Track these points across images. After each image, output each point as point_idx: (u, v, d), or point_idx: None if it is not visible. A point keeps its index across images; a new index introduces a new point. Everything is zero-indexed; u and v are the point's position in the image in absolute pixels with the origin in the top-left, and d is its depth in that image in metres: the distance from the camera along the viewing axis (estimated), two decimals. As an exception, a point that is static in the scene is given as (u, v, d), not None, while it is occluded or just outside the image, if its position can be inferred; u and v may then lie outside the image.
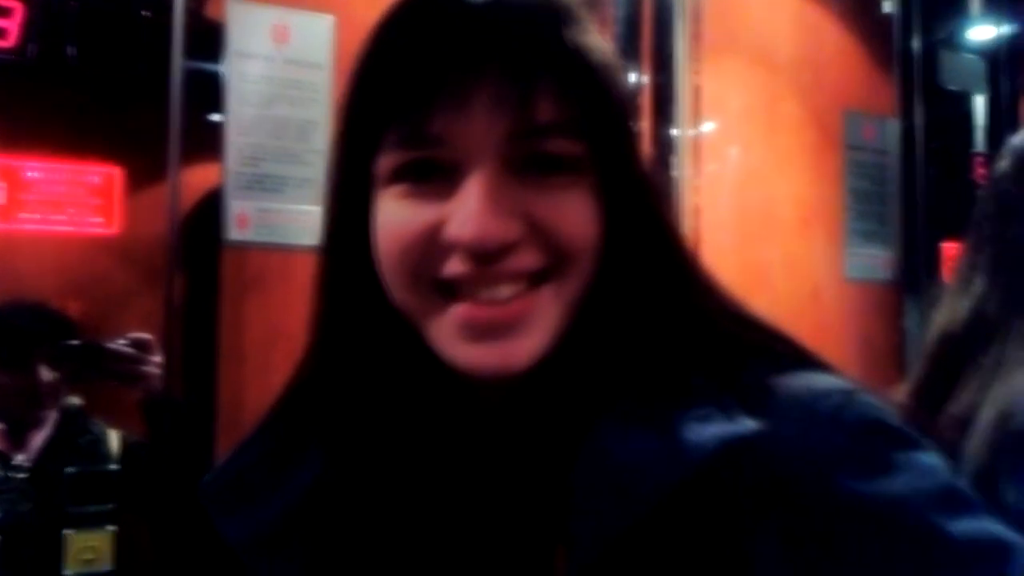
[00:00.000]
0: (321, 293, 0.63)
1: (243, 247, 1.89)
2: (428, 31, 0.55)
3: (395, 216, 0.57)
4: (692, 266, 0.62)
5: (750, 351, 0.59)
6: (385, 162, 0.57)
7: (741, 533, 0.53)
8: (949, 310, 1.17)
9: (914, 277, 2.86)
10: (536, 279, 0.56)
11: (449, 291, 0.57)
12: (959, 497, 0.54)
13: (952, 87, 3.06)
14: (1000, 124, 3.14)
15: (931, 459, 0.55)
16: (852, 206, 2.85)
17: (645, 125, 2.54)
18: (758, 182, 2.73)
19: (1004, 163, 1.13)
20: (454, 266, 0.55)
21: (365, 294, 0.60)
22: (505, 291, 0.55)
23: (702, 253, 2.21)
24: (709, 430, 0.53)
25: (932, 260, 2.87)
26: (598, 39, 0.59)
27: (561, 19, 0.57)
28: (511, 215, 0.54)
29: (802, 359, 0.60)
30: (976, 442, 1.07)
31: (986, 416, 1.07)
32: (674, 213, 0.64)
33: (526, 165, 0.55)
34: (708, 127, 2.65)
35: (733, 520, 0.53)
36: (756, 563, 0.53)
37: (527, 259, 0.55)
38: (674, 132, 2.57)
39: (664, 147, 2.56)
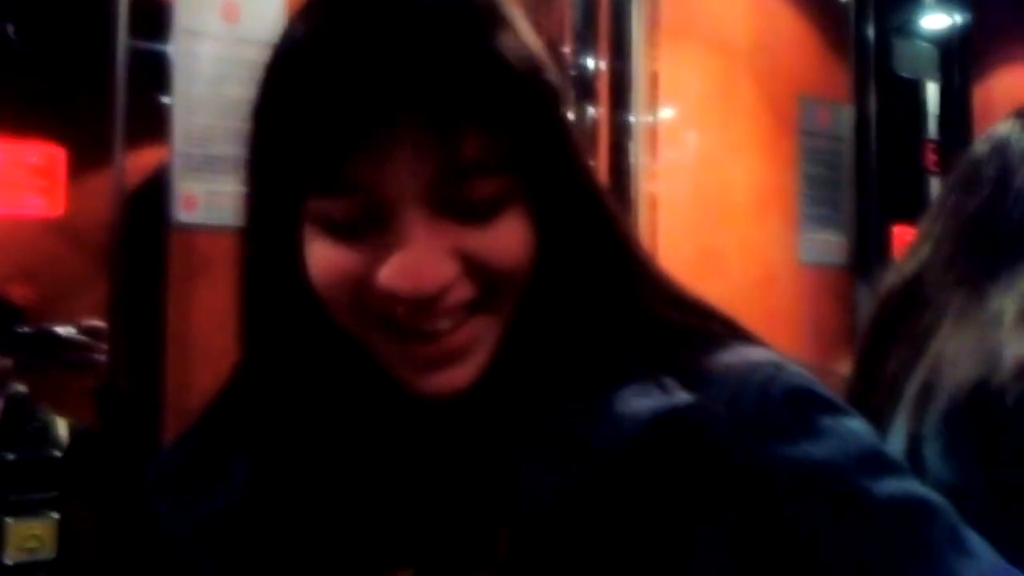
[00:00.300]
0: (249, 287, 0.62)
1: (191, 229, 1.86)
2: (339, 75, 0.52)
3: (325, 258, 0.56)
4: (635, 258, 0.62)
5: (690, 334, 0.60)
6: (309, 205, 0.55)
7: (683, 506, 0.54)
8: (894, 275, 1.19)
9: (866, 261, 2.90)
10: (472, 307, 0.56)
11: (389, 319, 0.56)
12: (882, 460, 0.56)
13: (905, 74, 3.10)
14: (951, 111, 3.18)
15: (856, 425, 0.57)
16: (806, 191, 2.88)
17: (601, 111, 2.53)
18: (714, 167, 2.75)
19: (982, 146, 1.15)
20: (392, 307, 0.55)
21: (296, 297, 0.58)
22: (444, 324, 0.55)
23: (658, 239, 2.22)
24: (645, 403, 0.55)
25: (883, 244, 2.91)
26: (524, 39, 0.57)
27: (480, 35, 0.54)
28: (445, 257, 0.54)
29: (738, 337, 0.61)
30: (904, 408, 1.09)
31: (914, 383, 1.08)
32: (616, 202, 0.63)
33: (455, 205, 0.54)
34: (665, 113, 2.66)
35: (674, 493, 0.54)
36: (699, 533, 0.54)
37: (463, 292, 0.55)
38: (630, 118, 2.57)
39: (620, 133, 2.56)
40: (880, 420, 1.09)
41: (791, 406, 0.56)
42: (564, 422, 0.56)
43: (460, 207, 0.54)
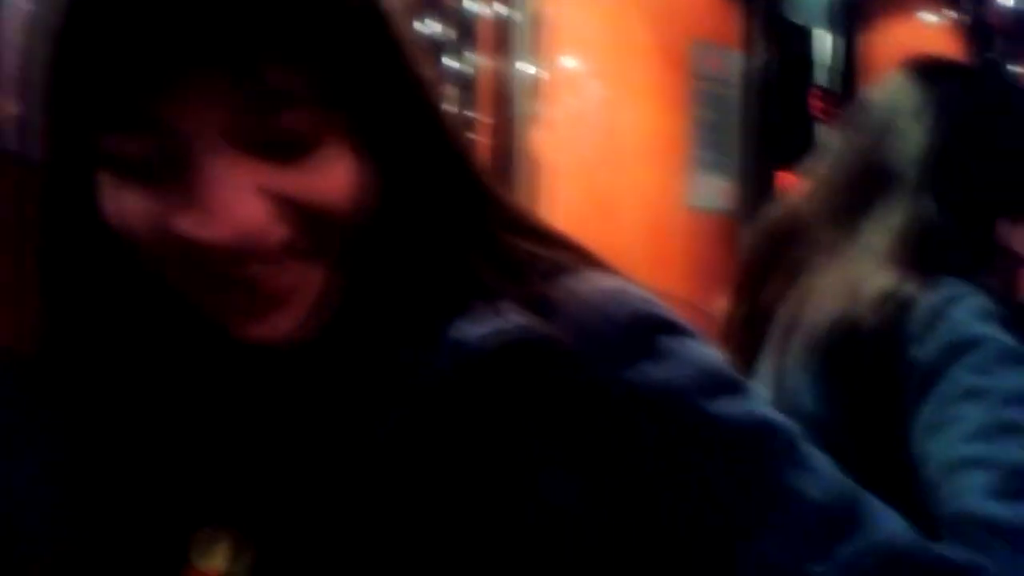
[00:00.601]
0: (47, 225, 0.56)
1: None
2: (124, 5, 0.47)
3: (122, 203, 0.50)
4: (480, 188, 0.60)
5: (536, 262, 0.59)
6: (100, 143, 0.50)
7: (525, 433, 0.54)
8: (775, 210, 1.21)
9: (751, 206, 2.92)
10: (292, 251, 0.51)
11: (200, 265, 0.51)
12: (723, 380, 0.57)
13: (796, 21, 3.13)
14: (841, 60, 3.23)
15: (698, 346, 0.57)
16: (697, 136, 2.89)
17: (488, 58, 2.49)
18: (605, 112, 2.73)
19: (874, 93, 1.19)
20: (198, 255, 0.49)
21: (99, 236, 0.53)
22: (258, 270, 0.50)
23: (547, 184, 2.16)
24: (477, 330, 0.54)
25: (768, 190, 2.94)
26: None
27: None
28: (250, 199, 0.49)
29: (586, 264, 0.61)
30: (772, 339, 1.10)
31: (784, 315, 1.10)
32: (460, 138, 0.60)
33: (262, 142, 0.49)
34: (555, 58, 2.61)
35: (514, 420, 0.54)
36: (542, 458, 0.54)
37: (277, 236, 0.50)
38: (519, 64, 2.52)
39: (506, 80, 2.51)
40: (751, 351, 1.12)
41: (633, 329, 0.56)
42: (398, 359, 0.54)
43: (267, 144, 0.49)
